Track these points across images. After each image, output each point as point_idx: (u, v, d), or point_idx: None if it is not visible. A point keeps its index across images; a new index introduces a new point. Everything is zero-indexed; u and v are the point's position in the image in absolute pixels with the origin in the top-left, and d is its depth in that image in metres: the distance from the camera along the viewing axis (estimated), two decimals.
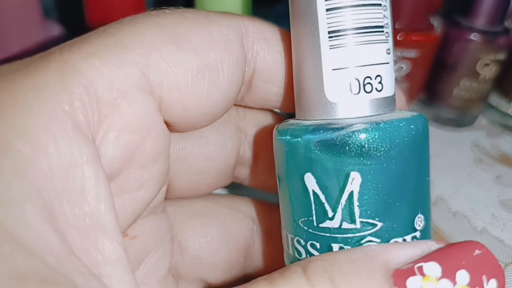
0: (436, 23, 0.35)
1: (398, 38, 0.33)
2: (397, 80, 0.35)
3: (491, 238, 0.30)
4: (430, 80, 0.37)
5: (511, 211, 0.32)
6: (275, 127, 0.16)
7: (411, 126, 0.15)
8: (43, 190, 0.11)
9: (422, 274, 0.13)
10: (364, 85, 0.15)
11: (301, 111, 0.16)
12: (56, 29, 0.29)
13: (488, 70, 0.36)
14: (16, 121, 0.11)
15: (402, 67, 0.34)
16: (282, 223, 0.17)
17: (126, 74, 0.13)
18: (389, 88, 0.15)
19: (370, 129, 0.14)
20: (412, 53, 0.33)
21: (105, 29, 0.14)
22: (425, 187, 0.16)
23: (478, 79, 0.36)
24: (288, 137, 0.15)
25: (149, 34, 0.14)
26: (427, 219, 0.16)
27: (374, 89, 0.15)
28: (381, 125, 0.14)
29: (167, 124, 0.15)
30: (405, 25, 0.33)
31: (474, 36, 0.35)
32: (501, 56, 0.35)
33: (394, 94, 0.16)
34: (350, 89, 0.15)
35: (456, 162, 0.36)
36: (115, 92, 0.13)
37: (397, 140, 0.14)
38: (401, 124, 0.15)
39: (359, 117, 0.15)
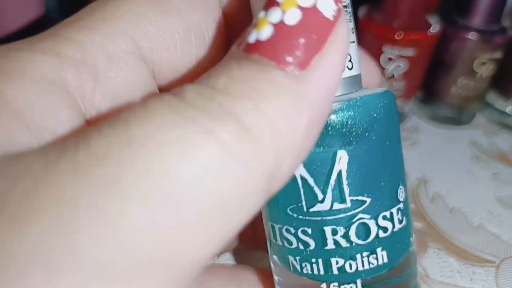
0: (434, 22, 0.35)
1: (396, 37, 0.33)
2: (394, 78, 0.35)
3: (487, 233, 0.30)
4: (428, 79, 0.38)
5: (508, 207, 0.33)
6: None
7: (385, 101, 0.15)
8: None
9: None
10: None
11: None
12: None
13: (485, 69, 0.36)
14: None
15: (400, 66, 0.34)
16: (266, 214, 0.17)
17: (117, 41, 0.14)
18: (357, 66, 0.16)
19: (350, 106, 0.15)
20: (409, 52, 0.34)
21: (94, 7, 0.14)
22: (401, 158, 0.17)
23: (475, 78, 0.37)
24: None
25: (134, 3, 0.14)
26: (406, 190, 0.17)
27: (346, 68, 0.15)
28: (360, 102, 0.15)
29: (160, 89, 0.16)
30: (403, 24, 0.34)
31: (471, 35, 0.35)
32: (498, 54, 0.36)
33: (360, 73, 0.16)
34: None
35: (454, 160, 0.37)
36: (107, 58, 0.14)
37: (375, 115, 0.15)
38: (377, 99, 0.15)
39: (336, 96, 0.15)
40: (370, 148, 0.15)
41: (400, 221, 0.16)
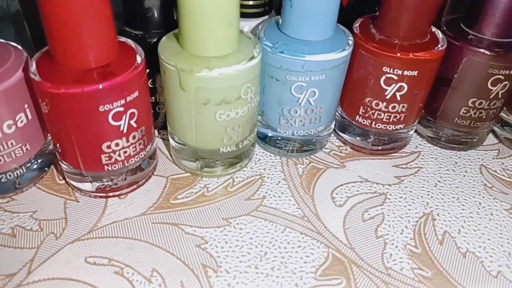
0: (440, 35, 0.31)
1: (398, 55, 0.29)
2: (397, 101, 0.31)
3: (509, 283, 0.26)
4: (433, 98, 0.34)
5: None
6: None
7: None
8: None
9: None
10: None
11: None
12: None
13: (501, 87, 0.32)
14: None
15: (403, 87, 0.30)
16: None
17: None
18: None
19: None
20: (413, 72, 0.29)
21: None
22: None
23: (489, 97, 0.32)
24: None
25: None
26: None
27: None
28: None
29: None
30: (405, 40, 0.29)
31: (483, 49, 0.31)
32: None
33: None
34: None
35: (464, 189, 0.33)
36: None
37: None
38: None
39: None
40: None
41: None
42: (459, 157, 0.35)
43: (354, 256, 0.27)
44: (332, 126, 0.34)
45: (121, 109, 0.25)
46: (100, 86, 0.24)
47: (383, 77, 0.30)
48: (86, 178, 0.28)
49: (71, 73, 0.24)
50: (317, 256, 0.27)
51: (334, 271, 0.26)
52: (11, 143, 0.27)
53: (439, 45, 0.30)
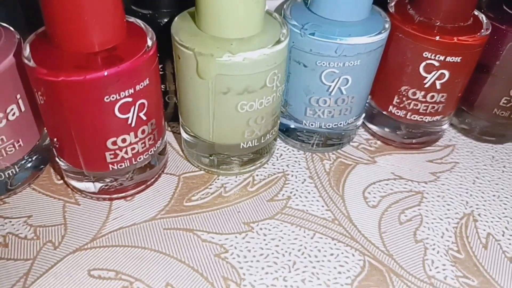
0: (483, 18, 0.28)
1: (437, 38, 0.26)
2: (436, 90, 0.28)
3: None
4: (470, 87, 0.31)
5: None
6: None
7: None
8: None
9: None
10: None
11: None
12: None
13: None
14: None
15: (444, 74, 0.27)
16: None
17: None
18: None
19: None
20: (456, 58, 0.26)
21: None
22: None
23: None
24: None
25: None
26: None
27: None
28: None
29: None
30: (447, 22, 0.26)
31: None
32: None
33: None
34: None
35: (504, 186, 0.30)
36: None
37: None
38: None
39: None
40: None
41: None
42: (496, 151, 0.33)
43: (393, 264, 0.24)
44: (362, 117, 0.31)
45: (129, 99, 0.22)
46: (106, 73, 0.20)
47: (423, 64, 0.27)
48: (88, 177, 0.25)
49: (71, 58, 0.21)
50: (353, 265, 0.24)
51: (372, 282, 0.23)
52: (2, 139, 0.23)
53: (483, 29, 0.27)
